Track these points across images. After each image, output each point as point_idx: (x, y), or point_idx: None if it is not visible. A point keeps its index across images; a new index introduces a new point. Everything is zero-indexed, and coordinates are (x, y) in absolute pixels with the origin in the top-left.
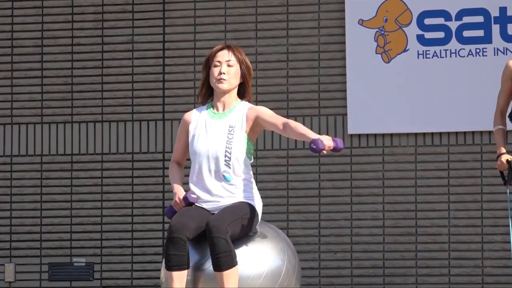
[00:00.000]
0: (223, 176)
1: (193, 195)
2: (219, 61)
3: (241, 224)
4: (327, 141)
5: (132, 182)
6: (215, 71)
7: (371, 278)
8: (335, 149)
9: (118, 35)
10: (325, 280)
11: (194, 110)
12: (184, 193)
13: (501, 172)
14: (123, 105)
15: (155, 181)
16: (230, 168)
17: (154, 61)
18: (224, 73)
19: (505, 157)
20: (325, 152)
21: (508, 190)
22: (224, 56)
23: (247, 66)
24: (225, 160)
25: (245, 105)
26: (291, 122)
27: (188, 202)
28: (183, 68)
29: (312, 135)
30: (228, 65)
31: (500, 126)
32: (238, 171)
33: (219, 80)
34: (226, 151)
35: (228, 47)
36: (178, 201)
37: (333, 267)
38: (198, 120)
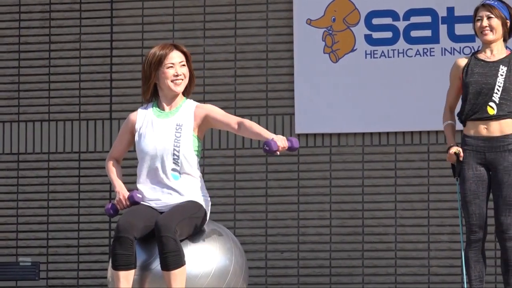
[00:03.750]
0: (171, 174)
1: (138, 195)
2: (172, 63)
3: (190, 224)
4: (281, 142)
5: (79, 182)
6: (169, 72)
7: (317, 277)
8: (290, 149)
9: (66, 34)
10: (272, 279)
11: (139, 110)
12: (127, 192)
13: (452, 165)
14: (70, 104)
15: (102, 180)
16: (178, 166)
17: (102, 60)
18: (180, 75)
19: (453, 149)
20: (278, 153)
21: (457, 182)
22: (177, 57)
23: (191, 64)
24: (174, 159)
25: (191, 104)
26: (246, 122)
27: (133, 201)
28: (131, 67)
29: (268, 134)
30: (182, 66)
31: (449, 121)
32: (187, 170)
33: (175, 82)
34: (174, 149)
35: (176, 47)
36: (123, 199)
37: (280, 266)
38: (144, 119)
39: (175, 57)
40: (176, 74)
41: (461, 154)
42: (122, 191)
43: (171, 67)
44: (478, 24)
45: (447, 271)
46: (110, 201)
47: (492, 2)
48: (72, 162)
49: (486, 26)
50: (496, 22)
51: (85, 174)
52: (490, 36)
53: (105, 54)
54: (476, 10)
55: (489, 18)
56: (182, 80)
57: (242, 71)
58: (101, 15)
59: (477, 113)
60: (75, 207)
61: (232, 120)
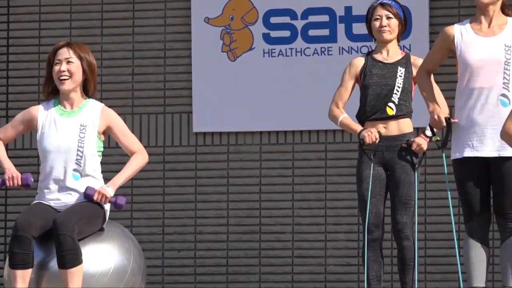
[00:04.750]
0: (72, 174)
1: (32, 179)
2: (59, 60)
3: (89, 223)
4: (99, 197)
5: None
6: (55, 69)
7: (214, 276)
8: (115, 205)
9: None
10: (169, 278)
11: (41, 106)
12: (18, 173)
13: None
14: None
15: None
16: (80, 166)
17: None
18: (64, 71)
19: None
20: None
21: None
22: (64, 54)
23: (89, 62)
24: (76, 159)
25: (96, 105)
26: (135, 156)
27: (26, 183)
28: (27, 64)
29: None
30: (68, 62)
31: (343, 115)
32: (88, 170)
33: (60, 80)
34: (78, 149)
35: (67, 45)
36: (16, 178)
37: (177, 265)
38: (46, 117)
39: (62, 54)
40: (59, 70)
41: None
42: (12, 169)
43: (58, 63)
44: (377, 23)
45: (344, 270)
46: None
47: (390, 1)
48: None
49: (385, 26)
50: (394, 22)
51: None
52: (388, 35)
53: (2, 51)
54: (373, 8)
55: (388, 18)
56: (67, 77)
57: (139, 69)
58: None
59: (376, 113)
60: None
61: (128, 147)
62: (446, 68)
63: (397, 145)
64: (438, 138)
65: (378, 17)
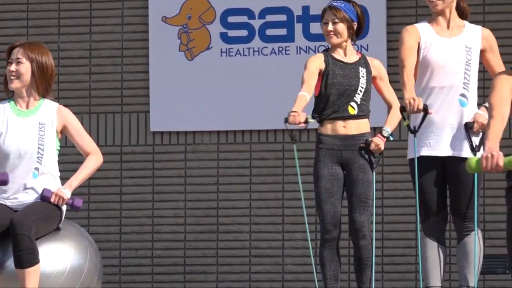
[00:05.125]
0: (32, 173)
1: (8, 178)
2: (11, 59)
3: (46, 222)
4: (56, 198)
5: None
6: (7, 69)
7: (172, 275)
8: (71, 207)
9: None
10: (126, 277)
11: None
12: None
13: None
14: None
15: None
16: (41, 164)
17: None
18: (13, 71)
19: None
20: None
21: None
22: (16, 54)
23: (40, 63)
24: (38, 157)
25: (52, 105)
26: (89, 159)
27: (2, 179)
28: None
29: (71, 182)
30: (18, 63)
31: (303, 93)
32: (47, 169)
33: (10, 80)
34: (39, 147)
35: (21, 45)
36: None
37: (134, 264)
38: (2, 116)
39: (14, 53)
40: (9, 70)
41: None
42: None
43: (10, 63)
44: (324, 27)
45: (301, 269)
46: None
47: (339, 4)
48: None
49: (331, 31)
50: (341, 27)
51: None
52: (334, 40)
53: None
54: (324, 11)
55: (334, 22)
56: (15, 77)
57: (97, 69)
58: None
59: (337, 112)
60: None
61: (83, 147)
62: None
63: (355, 144)
64: (408, 122)
65: (326, 21)
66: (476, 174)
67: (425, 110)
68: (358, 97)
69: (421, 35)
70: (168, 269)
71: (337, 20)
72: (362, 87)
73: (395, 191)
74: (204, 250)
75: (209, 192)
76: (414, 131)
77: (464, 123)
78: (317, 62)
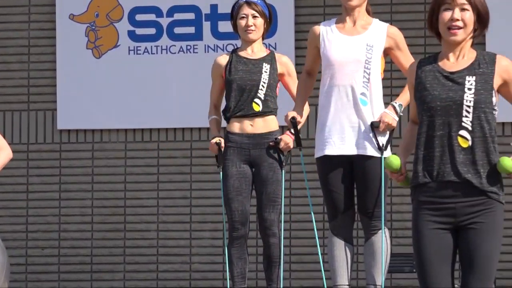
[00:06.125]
0: None
1: None
2: None
3: None
4: None
5: None
6: None
7: (78, 274)
8: None
9: None
10: (32, 276)
11: None
12: None
13: (216, 156)
14: None
15: None
16: None
17: None
18: None
19: (214, 140)
20: None
21: (221, 174)
22: None
23: None
24: None
25: None
26: (0, 155)
27: None
28: None
29: None
30: None
31: (214, 116)
32: None
33: None
34: None
35: None
36: None
37: (41, 263)
38: None
39: None
40: None
41: (222, 144)
42: None
43: None
44: (243, 22)
45: (209, 268)
46: None
47: (256, 0)
48: None
49: (251, 25)
50: (260, 21)
51: None
52: (254, 35)
53: None
54: (239, 7)
55: (254, 17)
56: None
57: (3, 66)
58: None
59: (242, 110)
60: None
61: None
62: None
63: (264, 143)
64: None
65: (244, 15)
66: (383, 173)
67: (293, 123)
68: (261, 93)
69: (321, 35)
70: (75, 268)
71: (257, 15)
72: (265, 82)
73: (303, 190)
74: (111, 249)
75: (117, 190)
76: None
77: (366, 121)
78: (218, 71)
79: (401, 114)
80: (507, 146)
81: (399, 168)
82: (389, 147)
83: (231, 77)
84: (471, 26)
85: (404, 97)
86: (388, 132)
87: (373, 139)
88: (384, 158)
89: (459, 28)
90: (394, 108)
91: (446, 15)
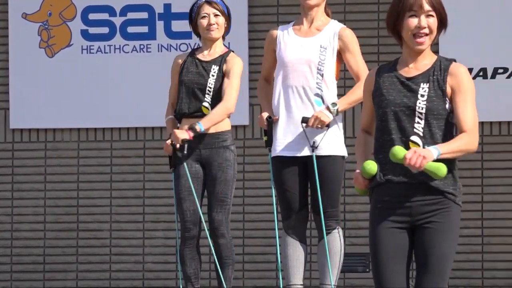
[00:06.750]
0: None
1: None
2: None
3: None
4: None
5: None
6: None
7: (31, 274)
8: None
9: None
10: None
11: None
12: None
13: (169, 157)
14: None
15: None
16: None
17: None
18: None
19: (169, 140)
20: None
21: (173, 177)
22: None
23: None
24: None
25: None
26: None
27: None
28: None
29: None
30: None
31: (170, 116)
32: None
33: None
34: None
35: None
36: None
37: None
38: None
39: None
40: None
41: (177, 145)
42: None
43: None
44: (204, 21)
45: (162, 267)
46: None
47: None
48: None
49: (214, 24)
50: (222, 20)
51: None
52: (216, 33)
53: None
54: (199, 6)
55: (216, 15)
56: None
57: None
58: None
59: (192, 113)
60: None
61: None
62: None
63: (214, 142)
64: (266, 138)
65: (206, 15)
66: (338, 173)
67: (269, 122)
68: (208, 97)
69: (278, 38)
70: (27, 268)
71: (218, 13)
72: (211, 87)
73: (256, 190)
74: (64, 249)
75: (69, 190)
76: (267, 145)
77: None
78: (175, 70)
79: (335, 112)
80: (506, 145)
81: (375, 174)
82: (343, 145)
83: (181, 79)
84: (435, 32)
85: (346, 100)
86: (325, 131)
87: (305, 136)
88: (363, 164)
89: (426, 35)
90: (327, 106)
91: (412, 22)
